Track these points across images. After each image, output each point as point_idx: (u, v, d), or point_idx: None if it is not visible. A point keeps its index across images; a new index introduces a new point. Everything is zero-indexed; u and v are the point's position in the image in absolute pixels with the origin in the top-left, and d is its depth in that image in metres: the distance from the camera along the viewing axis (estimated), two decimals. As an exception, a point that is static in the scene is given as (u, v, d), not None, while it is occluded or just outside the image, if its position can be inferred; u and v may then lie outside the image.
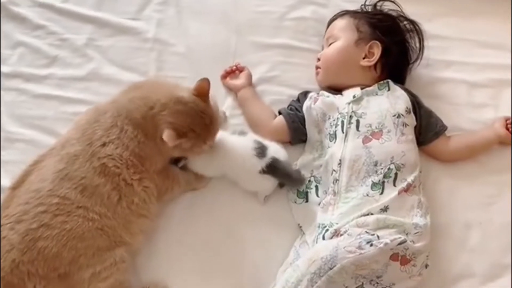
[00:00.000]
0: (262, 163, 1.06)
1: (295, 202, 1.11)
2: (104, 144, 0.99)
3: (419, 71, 1.27)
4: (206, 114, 0.99)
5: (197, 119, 0.98)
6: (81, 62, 1.27)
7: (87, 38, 1.30)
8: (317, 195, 1.10)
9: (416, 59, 1.23)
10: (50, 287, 0.93)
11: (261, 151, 1.08)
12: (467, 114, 1.24)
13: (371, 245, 0.92)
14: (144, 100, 1.01)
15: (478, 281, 1.07)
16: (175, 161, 1.10)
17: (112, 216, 0.97)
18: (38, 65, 1.26)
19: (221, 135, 1.09)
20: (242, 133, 1.16)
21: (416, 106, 1.14)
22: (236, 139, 1.12)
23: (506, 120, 1.20)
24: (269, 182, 1.09)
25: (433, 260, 1.04)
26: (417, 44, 1.23)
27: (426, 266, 1.00)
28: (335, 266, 0.90)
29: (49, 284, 0.93)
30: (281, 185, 1.12)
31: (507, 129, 1.18)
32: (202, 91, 0.99)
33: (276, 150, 1.10)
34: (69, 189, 0.95)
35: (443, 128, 1.16)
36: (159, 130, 0.97)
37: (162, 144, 0.98)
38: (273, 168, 1.07)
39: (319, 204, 1.07)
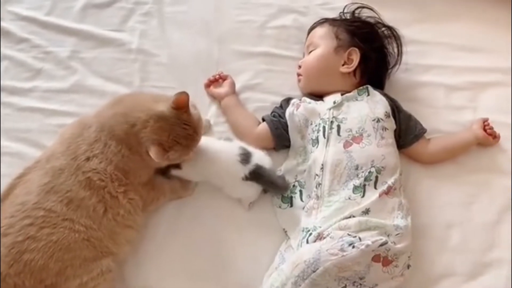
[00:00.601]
0: (246, 170, 1.08)
1: (280, 207, 1.13)
2: (88, 159, 1.00)
3: (399, 75, 1.30)
4: (189, 124, 1.00)
5: (180, 131, 0.99)
6: (65, 74, 1.28)
7: (71, 50, 1.31)
8: (301, 199, 1.12)
9: (395, 64, 1.26)
10: (37, 298, 0.93)
11: (245, 157, 1.09)
12: (446, 117, 1.26)
13: (353, 247, 0.94)
14: (125, 117, 1.01)
15: (460, 280, 1.09)
16: (162, 171, 1.11)
17: (98, 228, 0.98)
18: (23, 78, 1.27)
19: (207, 140, 1.11)
20: (228, 139, 1.18)
21: (396, 110, 1.16)
22: (221, 144, 1.13)
23: (484, 122, 1.23)
24: (253, 189, 1.11)
25: (415, 260, 1.06)
26: (395, 50, 1.25)
27: (408, 266, 1.02)
28: (318, 269, 0.92)
29: (37, 295, 0.93)
30: (265, 191, 1.14)
31: (485, 130, 1.21)
32: (181, 104, 0.99)
33: (260, 157, 1.11)
34: (55, 202, 0.97)
35: (423, 131, 1.19)
36: (144, 146, 0.99)
37: (149, 159, 1.00)
38: (257, 175, 1.09)
39: (303, 208, 1.09)
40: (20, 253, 0.93)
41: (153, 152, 0.96)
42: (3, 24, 1.33)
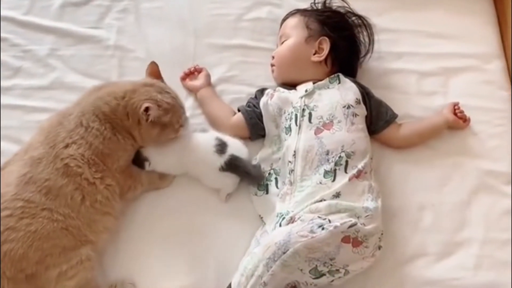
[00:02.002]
0: (221, 160, 1.11)
1: (256, 194, 1.15)
2: (67, 146, 1.03)
3: (371, 63, 1.32)
4: (170, 90, 1.10)
5: (166, 94, 1.08)
6: (45, 72, 1.30)
7: (49, 48, 1.33)
8: (276, 186, 1.15)
9: (367, 53, 1.29)
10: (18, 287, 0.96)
11: (221, 148, 1.12)
12: (418, 102, 1.29)
13: (323, 228, 0.97)
14: (112, 94, 1.07)
15: (432, 259, 1.12)
16: (139, 164, 1.14)
17: (76, 216, 1.01)
18: (2, 77, 1.29)
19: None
20: (203, 130, 1.20)
21: (366, 97, 1.19)
22: (197, 136, 1.16)
23: (454, 106, 1.26)
24: (230, 180, 1.13)
25: (388, 241, 1.09)
26: (367, 38, 1.28)
27: (379, 247, 1.05)
28: (288, 250, 0.94)
29: (17, 285, 0.96)
30: (241, 180, 1.16)
31: (455, 114, 1.24)
32: (155, 73, 1.12)
33: (237, 148, 1.14)
34: (33, 192, 0.99)
35: (393, 116, 1.21)
36: (135, 112, 1.04)
37: (138, 129, 1.05)
38: (233, 166, 1.11)
39: (278, 195, 1.12)
40: (0, 244, 0.95)
41: (145, 107, 1.02)
42: (-19, 25, 1.35)
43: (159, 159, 1.13)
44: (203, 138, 1.15)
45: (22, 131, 1.20)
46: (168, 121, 1.07)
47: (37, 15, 1.38)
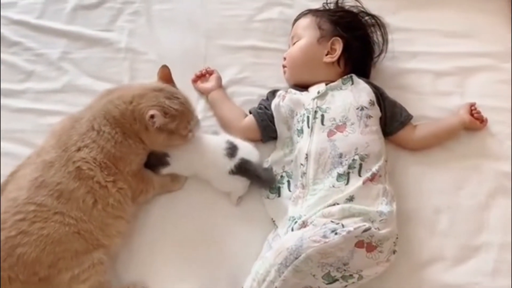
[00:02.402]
0: (231, 164, 1.10)
1: (268, 197, 1.14)
2: (79, 149, 1.03)
3: (385, 63, 1.30)
4: (180, 94, 1.08)
5: (174, 100, 1.06)
6: (57, 75, 1.31)
7: (61, 51, 1.34)
8: (289, 189, 1.13)
9: (381, 53, 1.27)
10: (31, 291, 0.96)
11: (231, 151, 1.11)
12: (433, 103, 1.27)
13: (336, 233, 0.95)
14: (122, 98, 1.06)
15: (448, 264, 1.09)
16: (152, 168, 1.13)
17: (88, 220, 1.01)
18: (15, 80, 1.30)
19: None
20: (215, 133, 1.19)
21: (380, 98, 1.17)
22: (209, 138, 1.15)
23: (471, 106, 1.23)
24: (240, 183, 1.12)
25: (404, 245, 1.07)
26: (380, 38, 1.26)
27: (394, 252, 1.03)
28: (300, 255, 0.93)
29: (31, 288, 0.96)
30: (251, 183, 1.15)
31: (472, 115, 1.21)
32: (166, 77, 1.10)
33: (247, 151, 1.13)
34: (45, 196, 0.99)
35: (408, 117, 1.19)
36: (143, 120, 1.03)
37: (146, 134, 1.04)
38: (243, 169, 1.10)
39: (290, 198, 1.11)
40: (13, 248, 0.96)
41: (150, 114, 1.01)
42: (-5, 29, 1.36)
43: (170, 159, 1.13)
44: (214, 141, 1.14)
45: (35, 135, 1.21)
46: (175, 127, 1.06)
47: (49, 18, 1.39)
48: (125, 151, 1.05)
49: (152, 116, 1.02)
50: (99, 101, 1.10)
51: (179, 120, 1.06)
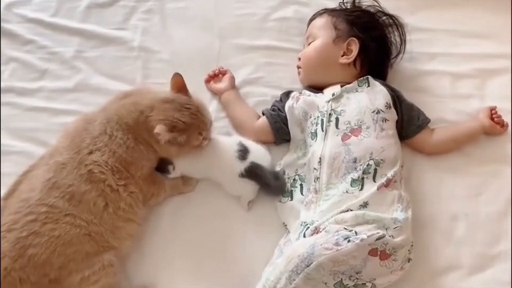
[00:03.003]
0: (242, 166, 1.08)
1: (280, 201, 1.12)
2: (91, 152, 1.03)
3: (403, 64, 1.27)
4: (191, 104, 1.05)
5: (185, 112, 1.03)
6: (70, 74, 1.30)
7: (75, 50, 1.33)
8: (301, 193, 1.11)
9: (398, 53, 1.24)
10: (41, 292, 0.96)
11: (242, 154, 1.10)
12: (452, 106, 1.23)
13: (349, 241, 0.93)
14: (135, 105, 1.06)
15: (465, 272, 1.07)
16: (162, 170, 1.12)
17: (99, 222, 1.01)
18: (29, 79, 1.30)
19: None
20: (227, 134, 1.18)
21: (397, 101, 1.14)
22: (221, 139, 1.13)
23: (491, 110, 1.19)
24: (250, 187, 1.11)
25: (420, 252, 1.04)
26: (398, 38, 1.23)
27: (409, 260, 1.00)
28: (311, 263, 0.91)
29: (41, 289, 0.96)
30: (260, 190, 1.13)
31: (492, 119, 1.18)
32: (178, 85, 1.06)
33: (259, 155, 1.11)
34: (57, 198, 0.99)
35: (426, 121, 1.16)
36: (152, 130, 1.01)
37: (157, 146, 1.03)
38: (252, 173, 1.09)
39: (303, 202, 1.09)
40: (24, 248, 0.96)
41: (158, 129, 0.99)
42: (10, 26, 1.36)
43: (181, 161, 1.11)
44: (226, 142, 1.13)
45: (48, 134, 1.21)
46: (185, 140, 1.04)
47: (64, 16, 1.38)
48: (137, 156, 1.04)
49: (157, 129, 1.00)
50: (113, 104, 1.09)
51: (190, 132, 1.04)
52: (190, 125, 1.03)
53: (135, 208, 1.05)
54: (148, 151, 1.06)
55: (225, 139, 1.15)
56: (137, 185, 1.06)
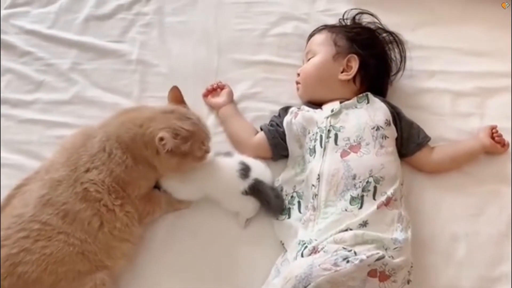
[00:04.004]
0: (245, 184, 1.06)
1: (278, 218, 1.10)
2: (88, 170, 1.00)
3: (402, 82, 1.26)
4: (192, 116, 1.04)
5: (186, 121, 1.02)
6: (66, 86, 1.29)
7: (71, 62, 1.32)
8: (299, 211, 1.09)
9: (398, 70, 1.23)
10: (31, 311, 0.93)
11: (244, 172, 1.07)
12: (452, 124, 1.22)
13: (348, 261, 0.90)
14: (134, 120, 1.03)
15: (465, 295, 1.04)
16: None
17: (93, 242, 0.98)
18: (25, 91, 1.28)
19: None
20: (228, 154, 1.14)
21: (397, 118, 1.12)
22: (220, 160, 1.10)
23: (492, 129, 1.18)
24: (251, 205, 1.09)
25: (419, 274, 1.02)
26: (398, 55, 1.22)
27: (408, 281, 0.98)
28: (309, 284, 0.88)
29: (31, 307, 0.93)
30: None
31: (493, 138, 1.16)
32: (176, 98, 1.07)
33: (260, 172, 1.09)
34: (51, 215, 0.97)
35: (426, 139, 1.15)
36: (152, 142, 0.99)
37: (157, 159, 1.00)
38: (255, 190, 1.07)
39: (301, 220, 1.06)
40: (14, 266, 0.93)
41: (159, 137, 0.97)
42: (7, 37, 1.35)
43: (178, 186, 1.09)
44: (227, 163, 1.10)
45: (42, 146, 1.19)
46: (189, 149, 1.01)
47: (61, 28, 1.38)
48: (135, 176, 1.02)
49: (161, 139, 0.98)
50: (113, 121, 1.06)
51: (193, 141, 1.02)
52: (193, 133, 1.02)
53: (131, 228, 1.03)
54: (147, 171, 1.04)
55: (224, 160, 1.11)
56: (133, 205, 1.03)
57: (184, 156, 1.01)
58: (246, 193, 1.06)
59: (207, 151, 1.05)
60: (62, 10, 1.40)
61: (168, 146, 0.98)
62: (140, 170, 1.02)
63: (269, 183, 1.10)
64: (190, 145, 1.01)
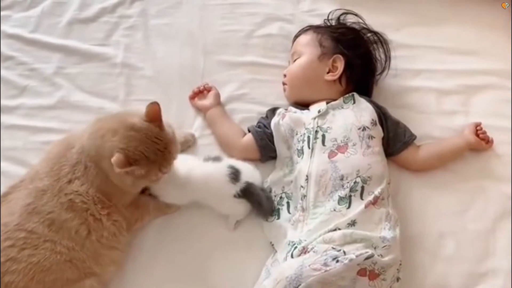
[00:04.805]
0: (237, 187, 1.06)
1: (267, 220, 1.10)
2: (70, 181, 0.99)
3: (388, 81, 1.27)
4: (160, 139, 0.95)
5: (150, 146, 0.94)
6: (50, 91, 1.27)
7: (56, 66, 1.30)
8: (288, 211, 1.09)
9: (383, 70, 1.23)
10: (19, 320, 0.92)
11: (234, 176, 1.07)
12: (438, 122, 1.23)
13: (337, 261, 0.91)
14: (98, 131, 0.97)
15: (454, 291, 1.05)
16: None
17: (80, 249, 0.97)
18: (8, 96, 1.26)
19: (193, 163, 1.09)
20: (216, 158, 1.13)
21: (383, 118, 1.13)
22: (209, 166, 1.10)
23: (476, 126, 1.19)
24: (243, 207, 1.08)
25: (407, 271, 1.03)
26: (383, 55, 1.23)
27: (398, 279, 0.99)
28: (300, 285, 0.89)
29: (18, 317, 0.92)
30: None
31: (478, 135, 1.18)
32: (153, 115, 0.95)
33: (251, 175, 1.09)
34: (37, 223, 0.95)
35: (412, 138, 1.16)
36: (109, 157, 0.92)
37: (112, 173, 0.94)
38: (248, 193, 1.07)
39: (290, 221, 1.06)
40: (1, 275, 0.92)
41: (114, 159, 0.90)
42: (-12, 43, 1.33)
43: (166, 190, 1.08)
44: (215, 169, 1.09)
45: (27, 152, 1.18)
46: (143, 174, 0.94)
47: (44, 32, 1.36)
48: (114, 188, 0.99)
49: (113, 159, 0.91)
50: (86, 132, 1.02)
51: (150, 167, 0.94)
52: (153, 161, 0.94)
53: (119, 236, 1.02)
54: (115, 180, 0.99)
55: (213, 165, 1.10)
56: (120, 213, 1.02)
57: (138, 178, 0.95)
58: (238, 196, 1.06)
59: (165, 173, 0.99)
60: (44, 14, 1.38)
61: (118, 170, 0.91)
62: (114, 184, 0.99)
63: (259, 185, 1.10)
64: (146, 171, 0.94)
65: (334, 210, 1.01)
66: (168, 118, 1.11)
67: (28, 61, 1.31)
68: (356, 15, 1.24)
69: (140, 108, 1.20)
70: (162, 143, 0.96)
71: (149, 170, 0.95)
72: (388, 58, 1.23)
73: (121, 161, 0.91)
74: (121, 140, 0.93)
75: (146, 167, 0.94)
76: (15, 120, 1.23)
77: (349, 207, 1.01)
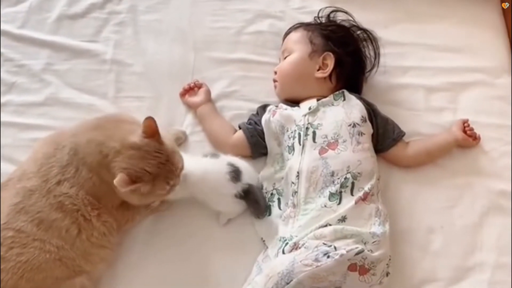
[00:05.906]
0: (238, 188, 1.06)
1: (260, 218, 1.10)
2: (59, 182, 0.98)
3: (377, 78, 1.28)
4: (161, 153, 0.95)
5: (152, 161, 0.94)
6: (39, 87, 1.26)
7: (44, 63, 1.29)
8: (279, 208, 1.10)
9: (372, 67, 1.24)
10: (9, 320, 0.92)
11: (235, 175, 1.07)
12: (426, 119, 1.25)
13: (328, 257, 0.92)
14: (100, 146, 0.97)
15: (441, 285, 1.07)
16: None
17: (70, 248, 0.97)
18: (-5, 93, 1.25)
19: (193, 160, 1.08)
20: (214, 155, 1.12)
21: (372, 114, 1.14)
22: (208, 162, 1.09)
23: (464, 123, 1.21)
24: (240, 207, 1.09)
25: (396, 266, 1.04)
26: (372, 52, 1.24)
27: (387, 274, 1.00)
28: (291, 280, 0.90)
29: (9, 316, 0.91)
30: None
31: (465, 132, 1.20)
32: (150, 129, 0.95)
33: (250, 175, 1.09)
34: (25, 222, 0.95)
35: (401, 134, 1.17)
36: (114, 176, 0.92)
37: (119, 191, 0.94)
38: (249, 194, 1.07)
39: (281, 217, 1.07)
40: (-11, 274, 0.91)
41: (117, 180, 0.90)
42: (-24, 38, 1.31)
43: None
44: (214, 165, 1.08)
45: (16, 149, 1.17)
46: (149, 190, 0.95)
47: (33, 28, 1.35)
48: (105, 190, 0.99)
49: (115, 180, 0.91)
50: (83, 135, 1.01)
51: (155, 182, 0.95)
52: (156, 175, 0.95)
53: (109, 236, 1.02)
54: (116, 189, 0.97)
55: (212, 161, 1.10)
56: (110, 214, 1.02)
57: (145, 194, 0.97)
58: (240, 196, 1.06)
59: (173, 186, 0.99)
60: (32, 9, 1.37)
61: (123, 190, 0.92)
62: (107, 188, 0.98)
63: (257, 184, 1.10)
64: (151, 187, 0.95)
65: (325, 206, 1.02)
66: (158, 115, 1.13)
67: (16, 58, 1.30)
68: (346, 12, 1.25)
69: (130, 106, 1.23)
70: (163, 155, 0.96)
71: (155, 185, 0.95)
72: (377, 55, 1.24)
73: (125, 181, 0.91)
74: (124, 160, 0.94)
75: (151, 182, 0.95)
76: (4, 117, 1.22)
77: (339, 203, 1.02)
